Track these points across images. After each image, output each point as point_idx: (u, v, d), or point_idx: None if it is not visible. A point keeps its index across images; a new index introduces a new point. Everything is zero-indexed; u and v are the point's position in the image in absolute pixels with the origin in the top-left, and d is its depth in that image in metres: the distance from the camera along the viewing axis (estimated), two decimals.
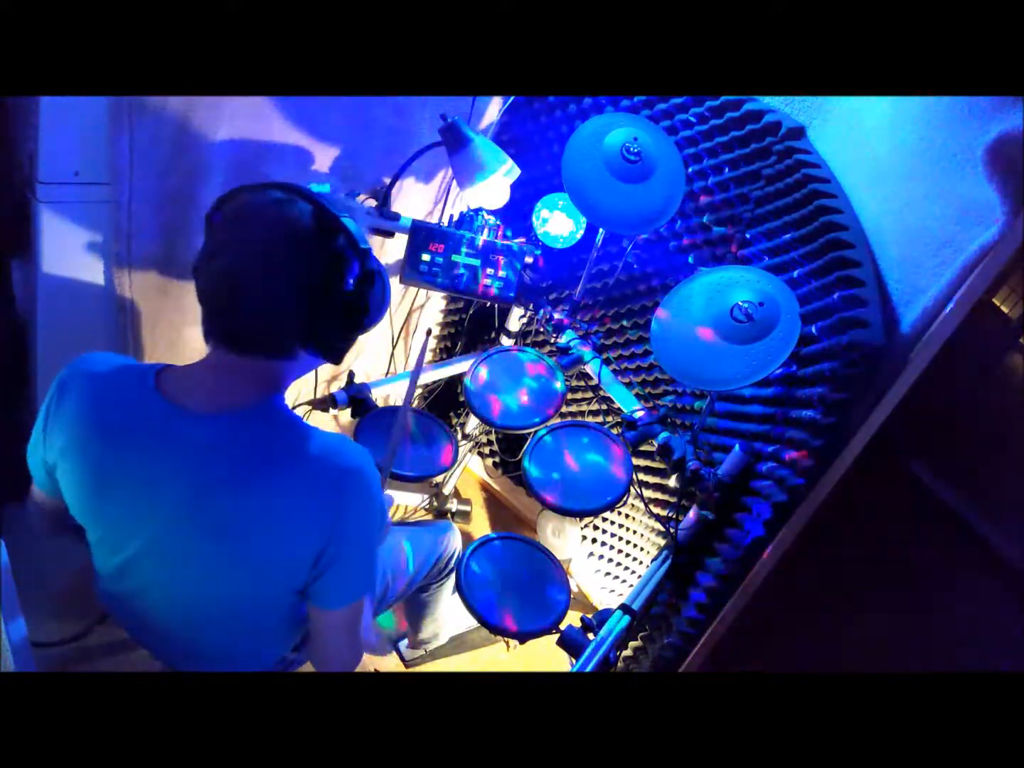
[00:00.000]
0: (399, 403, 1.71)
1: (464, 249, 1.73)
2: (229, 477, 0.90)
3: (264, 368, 0.94)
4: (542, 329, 1.82)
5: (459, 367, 1.95)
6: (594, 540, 2.09)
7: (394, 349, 2.05)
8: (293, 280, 0.89)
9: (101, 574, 1.07)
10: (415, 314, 2.14)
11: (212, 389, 0.93)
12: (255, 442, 0.92)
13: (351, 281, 0.93)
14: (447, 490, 2.21)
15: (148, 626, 1.06)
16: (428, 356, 2.28)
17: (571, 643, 1.39)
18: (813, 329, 1.35)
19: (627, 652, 1.73)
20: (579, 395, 2.04)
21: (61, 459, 0.96)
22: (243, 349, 0.92)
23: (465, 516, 2.24)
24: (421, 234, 1.69)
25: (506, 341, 2.01)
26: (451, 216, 1.79)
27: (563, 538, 2.08)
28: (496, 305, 1.90)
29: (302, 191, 0.92)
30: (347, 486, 0.93)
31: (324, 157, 1.65)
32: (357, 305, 0.96)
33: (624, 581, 2.00)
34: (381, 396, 2.17)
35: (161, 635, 1.07)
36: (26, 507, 1.12)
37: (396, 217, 1.69)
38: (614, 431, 1.64)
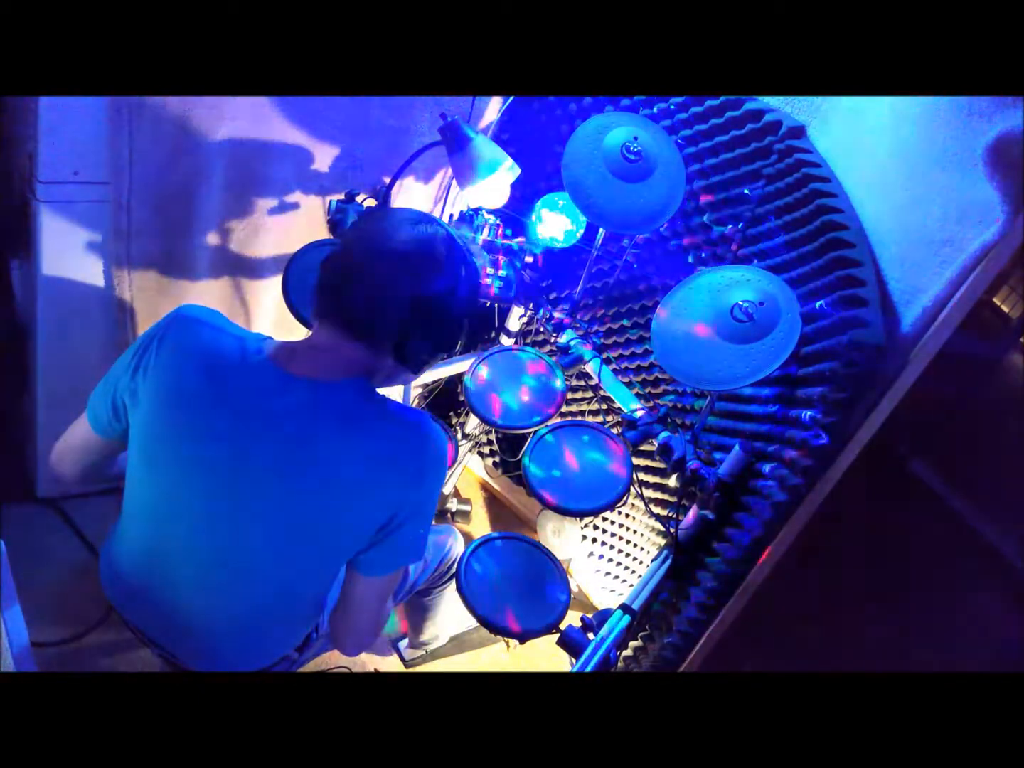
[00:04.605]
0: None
1: None
2: (325, 434, 0.98)
3: (360, 355, 1.02)
4: (542, 328, 1.82)
5: (459, 366, 1.95)
6: (594, 540, 2.09)
7: None
8: (409, 286, 0.99)
9: (128, 550, 1.07)
10: None
11: (313, 360, 1.02)
12: (351, 406, 1.00)
13: (457, 308, 1.04)
14: (447, 490, 2.21)
15: (166, 613, 1.06)
16: None
17: (571, 643, 1.39)
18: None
19: (627, 652, 1.72)
20: (579, 395, 2.04)
21: (149, 392, 1.00)
22: (348, 329, 1.00)
23: (465, 516, 2.23)
24: None
25: (506, 340, 2.00)
26: (451, 215, 1.79)
27: (563, 538, 2.08)
28: (496, 305, 1.90)
29: (440, 222, 1.05)
30: (429, 456, 1.03)
31: (324, 157, 1.65)
32: (453, 330, 1.06)
33: (624, 581, 2.00)
34: None
35: (177, 623, 1.06)
36: (54, 453, 1.13)
37: None
38: (614, 431, 1.64)
